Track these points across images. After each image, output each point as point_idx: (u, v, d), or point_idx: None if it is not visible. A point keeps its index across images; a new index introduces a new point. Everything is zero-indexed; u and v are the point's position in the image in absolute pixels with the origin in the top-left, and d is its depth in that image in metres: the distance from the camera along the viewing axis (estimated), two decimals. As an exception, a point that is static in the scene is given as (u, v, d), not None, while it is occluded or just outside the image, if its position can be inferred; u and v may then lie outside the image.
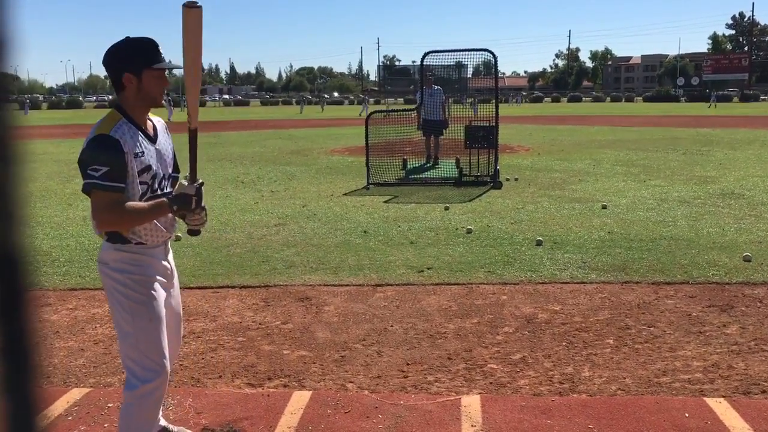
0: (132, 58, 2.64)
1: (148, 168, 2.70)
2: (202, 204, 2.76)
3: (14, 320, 0.61)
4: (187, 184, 2.74)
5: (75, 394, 3.84)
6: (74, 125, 36.54)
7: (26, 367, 0.62)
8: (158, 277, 2.80)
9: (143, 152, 2.67)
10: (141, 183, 2.68)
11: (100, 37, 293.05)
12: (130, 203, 2.59)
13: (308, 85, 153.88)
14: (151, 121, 2.82)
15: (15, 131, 0.59)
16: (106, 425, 3.45)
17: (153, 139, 2.78)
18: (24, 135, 0.60)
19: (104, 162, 2.54)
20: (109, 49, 2.69)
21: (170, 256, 2.95)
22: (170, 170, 2.88)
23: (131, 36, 2.71)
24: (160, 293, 2.79)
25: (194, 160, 2.78)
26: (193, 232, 2.85)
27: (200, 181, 2.75)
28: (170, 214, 2.75)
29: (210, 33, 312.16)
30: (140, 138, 2.69)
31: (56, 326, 5.03)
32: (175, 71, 2.90)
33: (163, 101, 2.82)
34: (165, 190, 2.82)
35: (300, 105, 63.89)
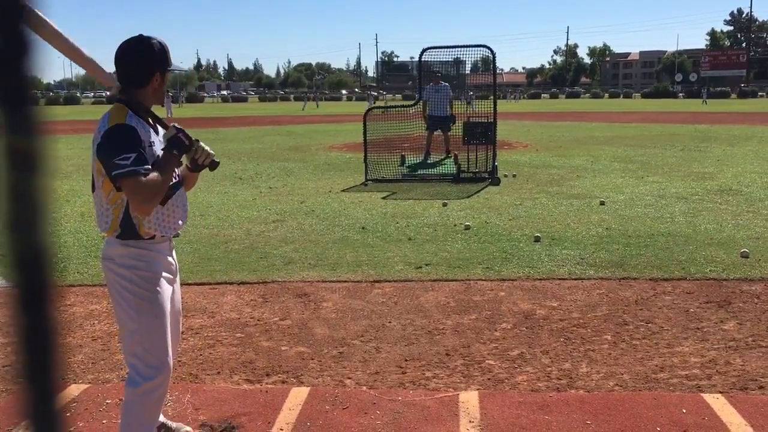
0: (163, 59, 2.75)
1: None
2: (194, 139, 2.80)
3: (39, 314, 0.63)
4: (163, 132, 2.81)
5: (73, 390, 3.84)
6: (72, 121, 36.46)
7: (48, 359, 0.65)
8: (164, 274, 2.81)
9: (153, 143, 2.72)
10: None
11: (98, 34, 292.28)
12: (149, 176, 2.60)
13: (306, 81, 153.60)
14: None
15: (41, 133, 0.60)
16: (104, 421, 3.46)
17: (156, 131, 2.81)
18: (50, 131, 0.61)
19: (131, 148, 2.57)
20: (139, 46, 2.71)
21: (174, 253, 2.96)
22: None
23: (144, 34, 2.76)
24: (166, 290, 2.80)
25: (150, 112, 2.80)
26: (213, 165, 2.90)
27: (172, 124, 2.79)
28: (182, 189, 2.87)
29: (208, 29, 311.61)
30: (149, 129, 2.73)
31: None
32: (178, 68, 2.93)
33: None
34: (177, 178, 2.88)
35: (303, 101, 62.72)
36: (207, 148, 2.85)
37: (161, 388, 2.74)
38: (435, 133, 14.80)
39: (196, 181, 3.05)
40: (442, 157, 14.62)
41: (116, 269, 2.71)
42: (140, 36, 2.75)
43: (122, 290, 2.71)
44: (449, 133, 14.62)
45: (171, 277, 2.88)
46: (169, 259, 2.89)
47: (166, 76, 2.79)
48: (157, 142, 2.77)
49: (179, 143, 2.72)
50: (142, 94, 2.72)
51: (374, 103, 45.70)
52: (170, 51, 2.81)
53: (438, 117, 14.47)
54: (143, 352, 2.69)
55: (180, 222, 2.90)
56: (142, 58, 2.70)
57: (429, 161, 14.56)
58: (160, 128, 2.88)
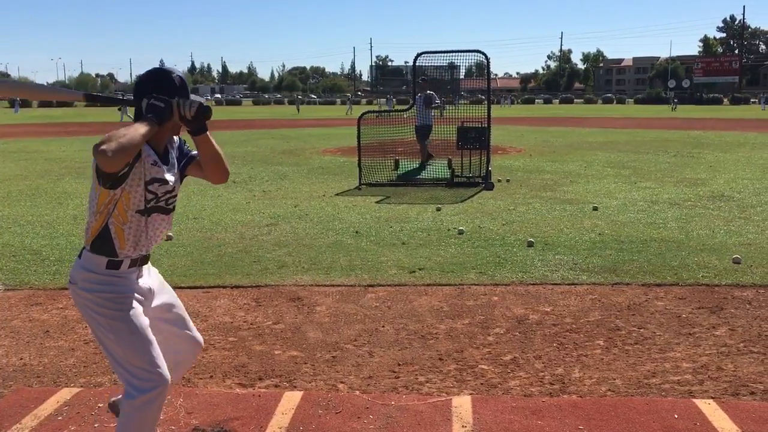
0: (186, 96, 2.71)
1: (162, 181, 2.70)
2: (170, 99, 2.62)
3: None
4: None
5: (65, 393, 3.83)
6: (65, 124, 36.39)
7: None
8: (135, 294, 2.73)
9: (157, 162, 2.67)
10: (149, 191, 2.66)
11: (92, 36, 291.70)
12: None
13: (300, 85, 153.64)
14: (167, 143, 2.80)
15: None
16: (96, 425, 3.44)
17: (167, 160, 2.75)
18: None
19: None
20: (164, 79, 2.68)
21: (147, 278, 2.84)
22: (179, 184, 2.85)
23: (166, 67, 2.74)
24: (135, 305, 2.72)
25: (106, 99, 2.75)
26: (201, 109, 2.61)
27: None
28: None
29: (202, 32, 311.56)
30: (152, 151, 2.67)
31: (46, 325, 5.01)
32: None
33: None
34: (170, 205, 2.80)
35: (348, 106, 63.11)
36: (191, 101, 2.63)
37: (158, 399, 2.69)
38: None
39: (218, 153, 2.78)
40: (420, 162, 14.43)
41: (80, 293, 2.68)
42: (162, 69, 2.72)
43: (92, 313, 2.67)
44: (425, 143, 14.38)
45: (141, 298, 2.77)
46: (141, 284, 2.78)
47: None
48: (163, 168, 2.71)
49: (154, 108, 2.58)
50: (162, 127, 2.64)
51: (351, 108, 45.94)
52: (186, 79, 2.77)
53: (416, 126, 14.24)
54: (133, 368, 2.64)
55: (147, 246, 2.78)
56: (168, 92, 2.65)
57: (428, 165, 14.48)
58: (171, 154, 2.82)
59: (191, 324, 3.10)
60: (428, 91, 14.21)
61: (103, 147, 2.36)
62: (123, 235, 2.66)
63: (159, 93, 2.64)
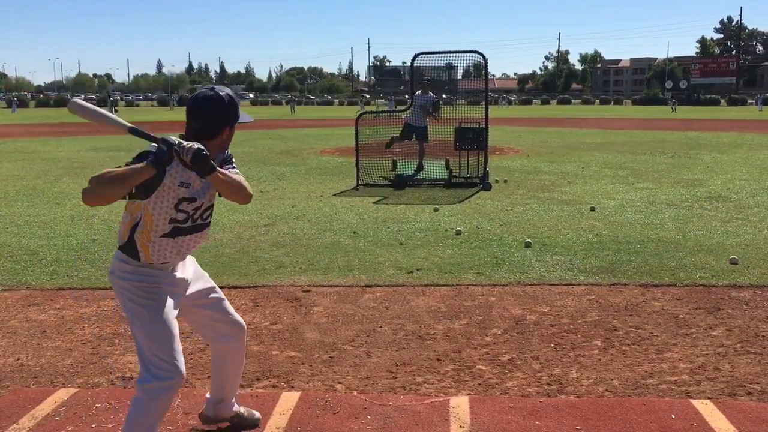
0: (235, 114, 2.88)
1: (193, 200, 2.83)
2: (175, 143, 2.63)
3: None
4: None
5: (62, 394, 3.82)
6: (62, 124, 36.31)
7: None
8: (164, 285, 2.88)
9: (190, 184, 2.78)
10: (181, 211, 2.80)
11: (89, 35, 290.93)
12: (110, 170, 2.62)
13: (298, 85, 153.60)
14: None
15: None
16: (93, 425, 3.44)
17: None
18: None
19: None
20: (215, 103, 2.81)
21: (182, 269, 3.00)
22: (213, 201, 2.97)
23: (216, 89, 2.85)
24: (164, 297, 2.86)
25: (143, 135, 2.78)
26: (195, 155, 2.60)
27: (161, 136, 2.72)
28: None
29: (200, 32, 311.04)
30: (189, 171, 2.73)
31: (43, 326, 5.00)
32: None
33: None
34: (206, 220, 2.97)
35: (359, 105, 64.26)
36: (189, 144, 2.64)
37: (169, 391, 2.79)
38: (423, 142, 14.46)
39: (233, 187, 2.85)
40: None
41: (117, 281, 2.88)
42: (215, 91, 2.82)
43: (125, 299, 2.86)
44: (422, 143, 14.22)
45: (174, 289, 2.93)
46: (175, 275, 2.94)
47: (234, 128, 2.92)
48: (198, 184, 2.81)
49: (158, 153, 2.61)
50: (210, 145, 2.78)
51: (363, 108, 46.35)
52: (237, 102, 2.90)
53: (414, 126, 14.05)
54: (152, 356, 2.77)
55: (178, 259, 2.95)
56: (216, 114, 2.81)
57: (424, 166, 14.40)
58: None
59: (231, 309, 3.25)
60: (435, 98, 14.00)
61: (85, 189, 2.59)
62: (148, 252, 2.83)
63: (208, 114, 2.79)
